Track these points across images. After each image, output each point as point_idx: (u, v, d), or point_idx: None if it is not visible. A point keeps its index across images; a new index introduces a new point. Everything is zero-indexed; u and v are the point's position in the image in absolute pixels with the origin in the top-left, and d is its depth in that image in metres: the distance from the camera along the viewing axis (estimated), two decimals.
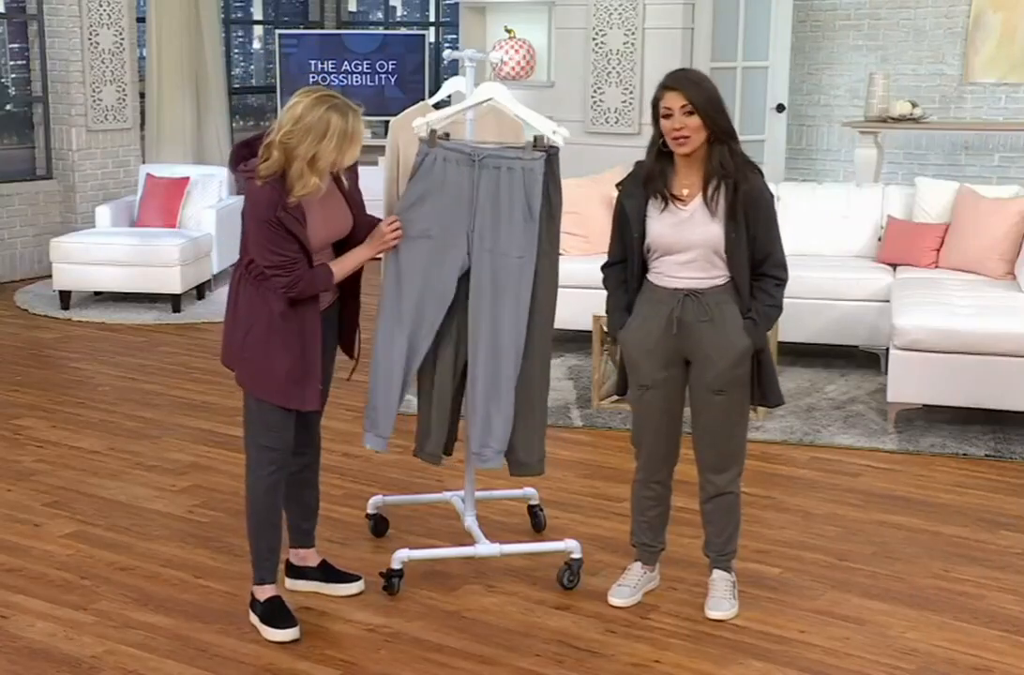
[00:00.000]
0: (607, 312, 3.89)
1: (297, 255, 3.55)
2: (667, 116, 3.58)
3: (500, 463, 3.98)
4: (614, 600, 3.91)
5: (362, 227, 3.78)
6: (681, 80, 3.61)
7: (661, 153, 3.67)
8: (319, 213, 3.63)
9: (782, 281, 3.71)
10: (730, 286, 3.70)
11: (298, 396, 3.66)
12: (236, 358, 3.72)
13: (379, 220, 3.86)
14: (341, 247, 3.77)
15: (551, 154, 3.84)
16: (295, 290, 3.56)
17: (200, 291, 8.44)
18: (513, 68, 9.19)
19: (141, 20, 9.70)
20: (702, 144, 3.61)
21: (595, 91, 9.03)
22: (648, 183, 3.69)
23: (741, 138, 3.74)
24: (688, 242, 3.67)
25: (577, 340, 6.87)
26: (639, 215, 3.71)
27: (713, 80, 3.70)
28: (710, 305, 3.69)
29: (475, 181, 3.83)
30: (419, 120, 3.91)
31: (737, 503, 3.90)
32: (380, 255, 3.95)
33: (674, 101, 3.56)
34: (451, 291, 3.88)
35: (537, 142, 3.85)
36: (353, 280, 3.82)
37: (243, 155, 3.65)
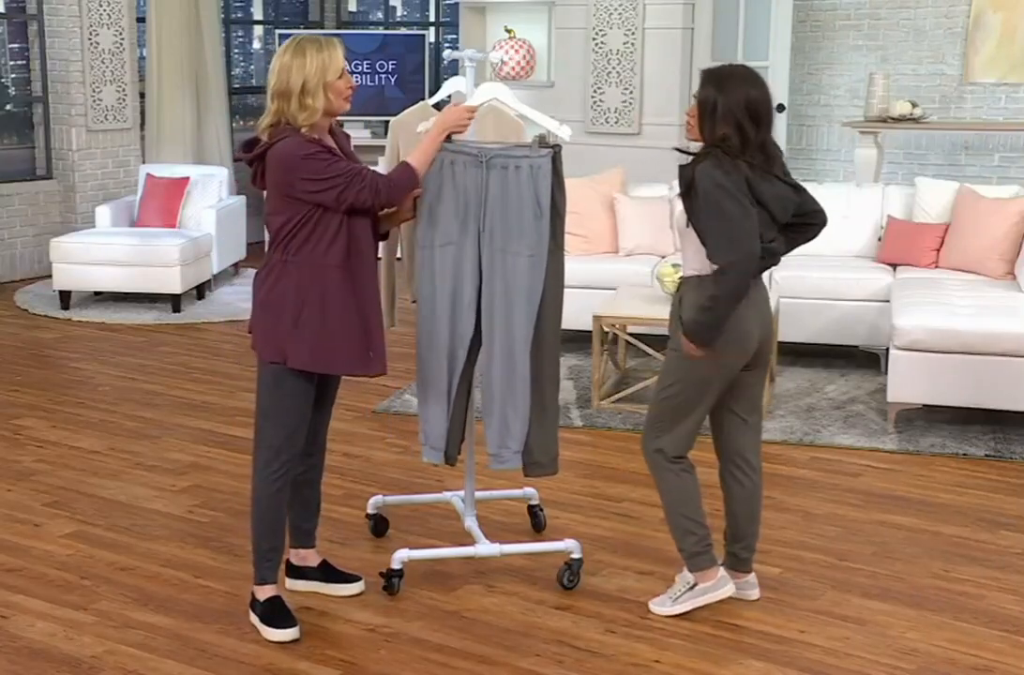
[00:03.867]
0: None
1: (355, 165, 3.57)
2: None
3: (518, 463, 3.99)
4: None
5: None
6: (713, 74, 3.66)
7: None
8: None
9: (717, 275, 3.59)
10: (692, 282, 3.72)
11: (364, 362, 3.67)
12: (288, 342, 3.62)
13: None
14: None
15: (556, 151, 3.86)
16: (382, 195, 3.55)
17: (200, 291, 8.44)
18: (513, 68, 9.19)
19: (141, 20, 9.70)
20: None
21: (595, 91, 9.03)
22: None
23: None
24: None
25: (577, 340, 6.87)
26: None
27: None
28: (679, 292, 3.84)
29: (484, 182, 3.83)
30: (424, 124, 3.91)
31: (658, 478, 3.82)
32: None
33: (698, 88, 3.67)
34: (475, 295, 3.89)
35: (541, 140, 3.86)
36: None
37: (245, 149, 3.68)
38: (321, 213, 3.56)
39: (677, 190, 3.72)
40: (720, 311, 3.59)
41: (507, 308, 3.86)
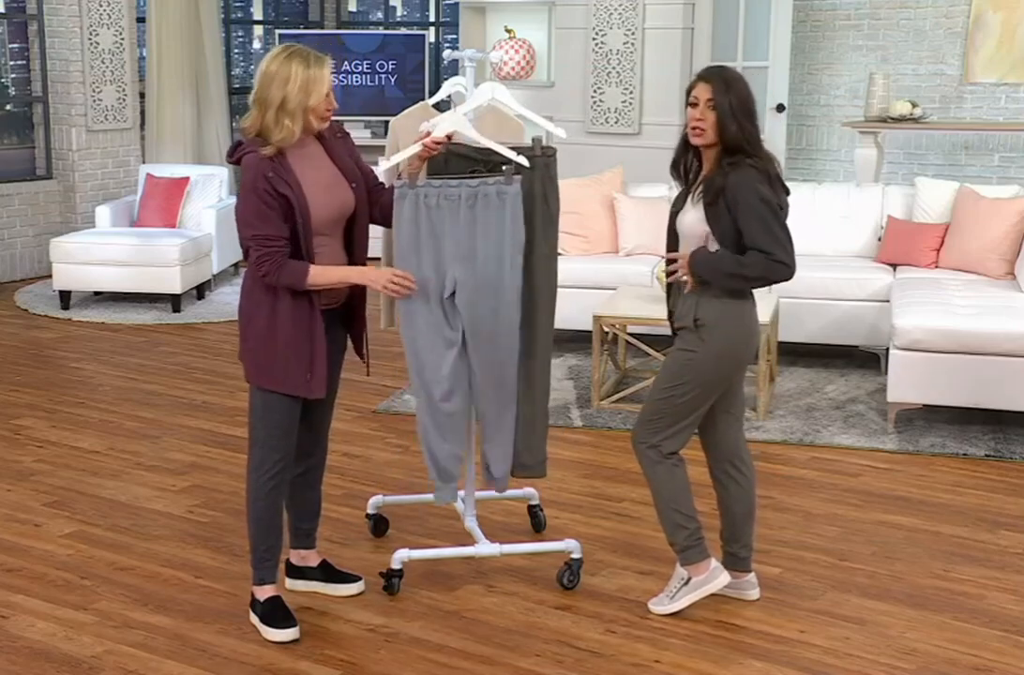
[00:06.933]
0: None
1: (280, 235, 3.51)
2: (693, 105, 3.67)
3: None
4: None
5: (364, 201, 3.72)
6: (716, 75, 3.68)
7: (688, 142, 3.76)
8: (313, 179, 3.58)
9: (767, 256, 3.58)
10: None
11: (304, 384, 3.65)
12: (243, 349, 3.69)
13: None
14: (350, 235, 3.73)
15: (548, 156, 3.86)
16: (263, 270, 3.51)
17: (200, 291, 8.44)
18: (513, 68, 9.19)
19: (141, 20, 9.71)
20: (717, 141, 3.65)
21: (595, 91, 9.03)
22: (673, 168, 3.81)
23: None
24: (680, 227, 3.78)
25: (577, 340, 6.87)
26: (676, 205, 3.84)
27: None
28: (680, 291, 3.81)
29: (458, 220, 3.78)
30: (424, 125, 3.91)
31: (649, 472, 3.82)
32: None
33: (703, 93, 3.65)
34: (456, 336, 3.86)
35: (535, 144, 3.87)
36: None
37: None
38: None
39: (676, 190, 3.72)
40: (738, 283, 3.64)
41: (487, 348, 3.85)
